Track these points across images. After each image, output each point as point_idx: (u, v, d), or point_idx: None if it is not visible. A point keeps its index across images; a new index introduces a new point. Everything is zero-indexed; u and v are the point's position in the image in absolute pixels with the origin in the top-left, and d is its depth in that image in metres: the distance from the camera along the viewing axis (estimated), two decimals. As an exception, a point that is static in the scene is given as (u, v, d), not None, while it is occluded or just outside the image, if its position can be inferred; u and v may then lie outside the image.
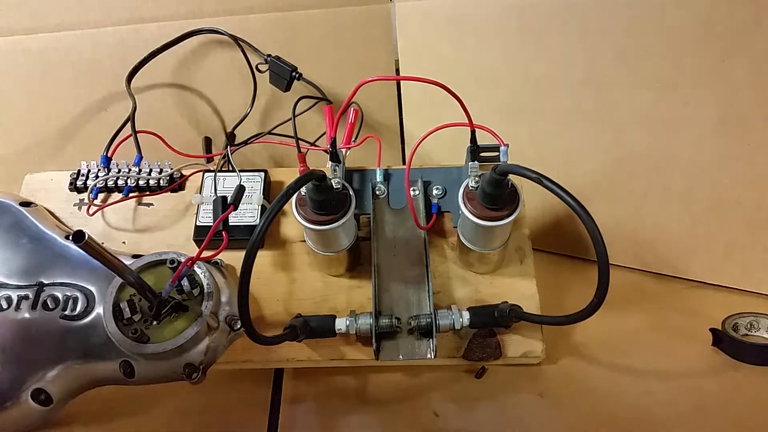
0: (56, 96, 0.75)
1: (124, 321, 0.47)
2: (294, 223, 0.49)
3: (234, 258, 0.55)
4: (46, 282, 0.51)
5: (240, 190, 0.51)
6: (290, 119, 0.58)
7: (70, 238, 0.40)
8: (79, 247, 0.39)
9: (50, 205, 0.60)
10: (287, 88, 0.72)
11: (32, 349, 0.48)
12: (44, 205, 0.59)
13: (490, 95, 0.71)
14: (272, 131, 0.72)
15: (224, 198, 0.53)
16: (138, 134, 0.63)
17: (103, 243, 0.56)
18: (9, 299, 0.50)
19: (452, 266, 0.55)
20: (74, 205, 0.60)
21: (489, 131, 0.51)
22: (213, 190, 0.58)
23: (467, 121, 0.48)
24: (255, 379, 0.55)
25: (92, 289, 0.50)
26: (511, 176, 0.44)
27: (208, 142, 0.74)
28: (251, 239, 0.38)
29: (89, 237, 0.40)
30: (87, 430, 0.50)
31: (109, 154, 0.61)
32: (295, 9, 0.74)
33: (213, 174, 0.58)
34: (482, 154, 0.51)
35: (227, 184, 0.58)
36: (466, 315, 0.48)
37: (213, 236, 0.48)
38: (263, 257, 0.56)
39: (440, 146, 0.62)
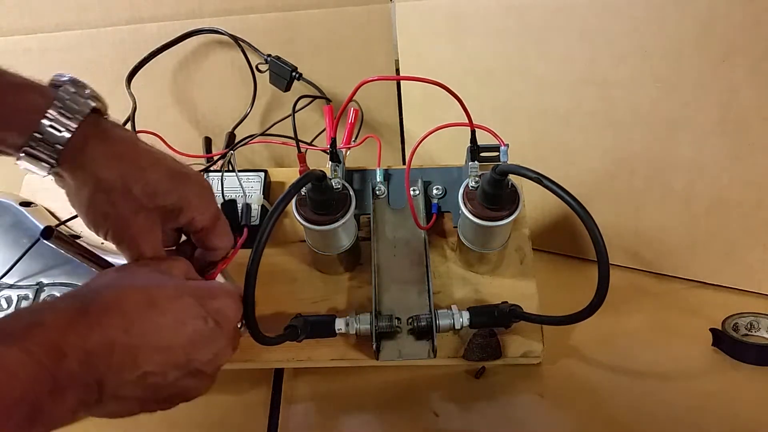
0: (56, 96, 0.75)
1: (124, 321, 0.47)
2: (294, 223, 0.49)
3: (236, 257, 0.55)
4: (45, 282, 0.51)
5: (247, 209, 0.52)
6: (287, 116, 0.58)
7: (40, 234, 0.40)
8: (49, 243, 0.39)
9: (50, 205, 0.60)
10: (287, 88, 0.73)
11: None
12: (44, 205, 0.59)
13: (490, 95, 0.71)
14: (267, 131, 0.72)
15: (232, 202, 0.53)
16: (138, 134, 0.63)
17: (80, 237, 0.56)
18: (9, 299, 0.50)
19: (452, 266, 0.55)
20: (74, 205, 0.60)
21: (489, 131, 0.51)
22: (219, 190, 0.58)
23: (467, 121, 0.48)
24: (255, 379, 0.55)
25: (92, 289, 0.50)
26: (511, 176, 0.44)
27: (208, 142, 0.74)
28: (256, 241, 0.38)
29: (58, 232, 0.39)
30: (87, 430, 0.50)
31: (109, 154, 0.60)
32: (295, 9, 0.74)
33: (220, 174, 0.59)
34: (482, 154, 0.51)
35: (227, 184, 0.58)
36: (466, 315, 0.48)
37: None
38: (263, 257, 0.55)
39: (440, 146, 0.62)
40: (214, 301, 0.37)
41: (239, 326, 0.50)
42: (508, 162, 0.51)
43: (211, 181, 0.59)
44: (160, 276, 0.37)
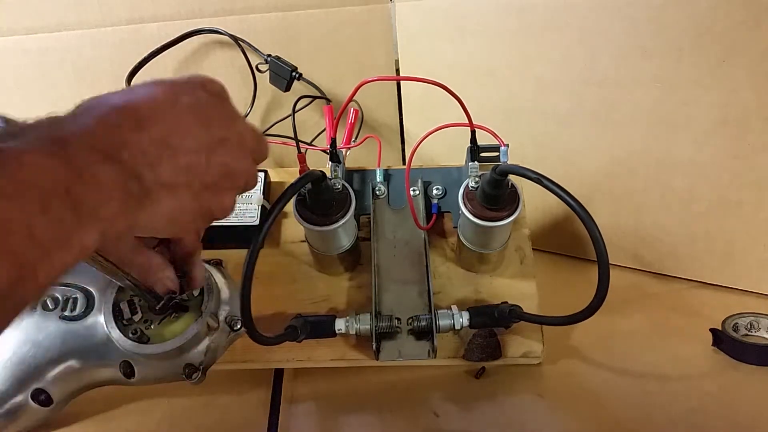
0: (56, 96, 0.75)
1: (124, 321, 0.47)
2: (294, 223, 0.49)
3: (234, 257, 0.55)
4: (46, 282, 0.51)
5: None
6: (287, 116, 0.58)
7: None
8: None
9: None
10: (287, 88, 0.73)
11: (32, 349, 0.48)
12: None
13: (490, 95, 0.71)
14: (267, 131, 0.72)
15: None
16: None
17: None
18: (9, 299, 0.50)
19: (452, 266, 0.55)
20: (74, 205, 0.60)
21: (489, 131, 0.51)
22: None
23: (467, 121, 0.48)
24: (255, 379, 0.55)
25: (92, 289, 0.50)
26: (511, 176, 0.44)
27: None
28: (254, 242, 0.38)
29: None
30: (87, 430, 0.50)
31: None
32: (295, 9, 0.74)
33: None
34: (482, 154, 0.51)
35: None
36: (466, 315, 0.48)
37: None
38: (263, 257, 0.55)
39: (440, 146, 0.62)
40: (194, 77, 0.35)
41: (237, 327, 0.50)
42: (508, 162, 0.51)
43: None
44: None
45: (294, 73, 0.71)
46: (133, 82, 0.70)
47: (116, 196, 0.29)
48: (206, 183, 0.34)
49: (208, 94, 0.35)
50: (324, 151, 0.53)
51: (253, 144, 0.37)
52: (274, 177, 0.61)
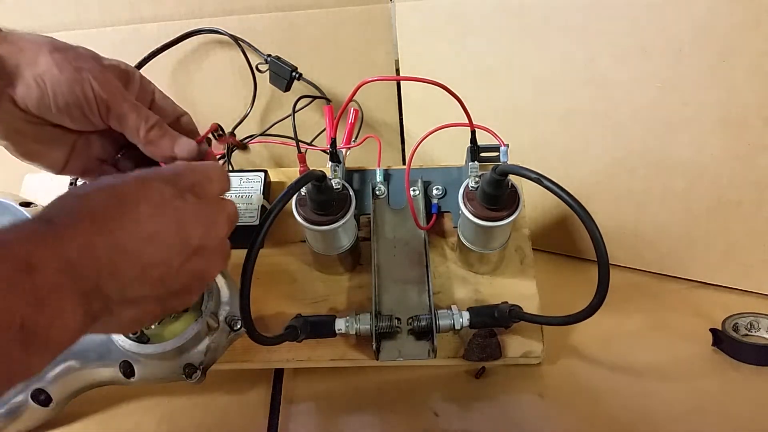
0: (56, 96, 0.75)
1: (124, 321, 0.47)
2: (294, 223, 0.49)
3: (234, 257, 0.55)
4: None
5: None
6: (287, 116, 0.58)
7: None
8: None
9: (50, 205, 0.59)
10: (287, 88, 0.73)
11: (32, 349, 0.48)
12: (44, 206, 0.59)
13: (490, 95, 0.71)
14: (267, 131, 0.72)
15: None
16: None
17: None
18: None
19: (452, 266, 0.55)
20: (74, 205, 0.59)
21: (489, 131, 0.51)
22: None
23: (467, 121, 0.48)
24: (255, 379, 0.55)
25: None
26: (511, 176, 0.44)
27: (207, 143, 0.74)
28: (253, 240, 0.39)
29: None
30: (87, 430, 0.50)
31: (109, 154, 0.60)
32: (295, 9, 0.74)
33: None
34: (482, 154, 0.51)
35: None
36: (466, 315, 0.48)
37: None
38: (263, 257, 0.55)
39: (440, 146, 0.62)
40: (184, 177, 0.34)
41: (237, 327, 0.50)
42: (508, 162, 0.51)
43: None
44: (120, 174, 0.35)
45: (294, 73, 0.71)
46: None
47: (77, 320, 0.28)
48: (175, 290, 0.33)
49: (189, 195, 0.34)
50: (324, 151, 0.53)
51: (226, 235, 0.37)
52: (274, 177, 0.61)
